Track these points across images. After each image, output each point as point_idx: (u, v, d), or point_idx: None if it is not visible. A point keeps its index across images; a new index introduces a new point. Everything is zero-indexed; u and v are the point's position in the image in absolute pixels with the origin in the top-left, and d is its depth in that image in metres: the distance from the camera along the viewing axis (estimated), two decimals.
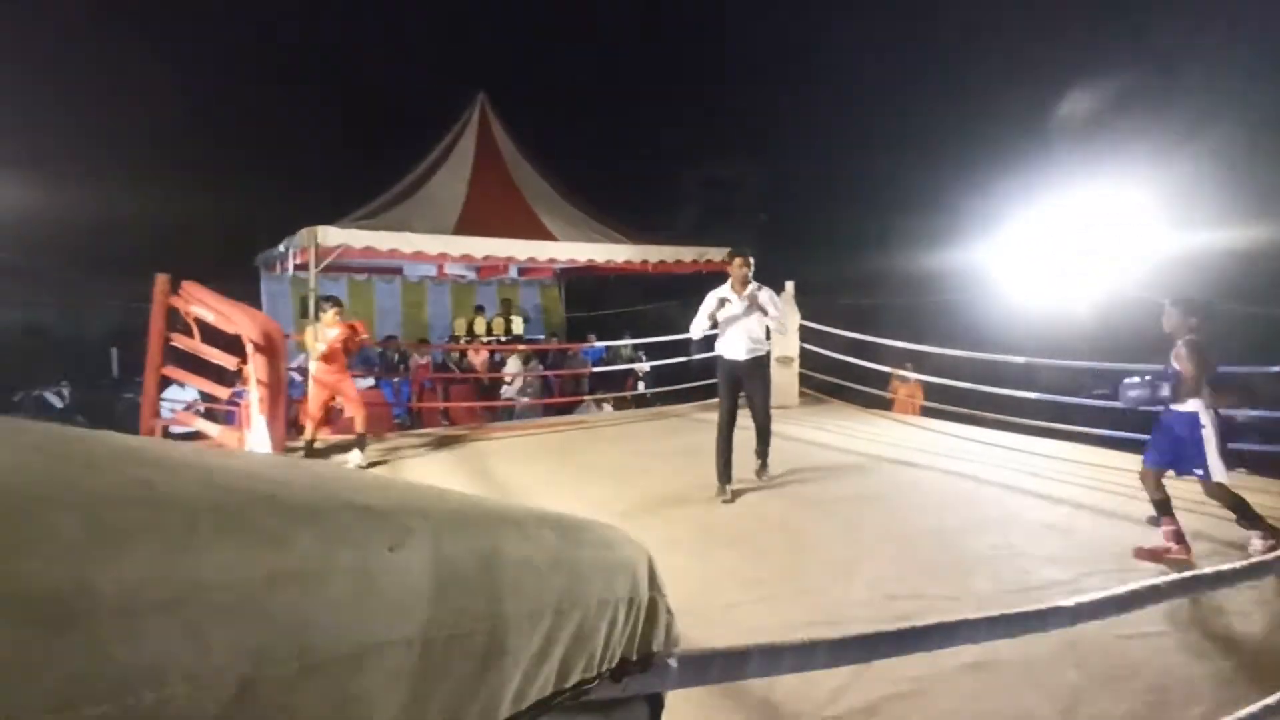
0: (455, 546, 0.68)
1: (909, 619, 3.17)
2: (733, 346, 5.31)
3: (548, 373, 10.87)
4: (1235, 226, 8.61)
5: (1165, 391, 3.98)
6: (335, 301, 6.31)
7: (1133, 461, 6.10)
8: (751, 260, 5.32)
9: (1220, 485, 3.98)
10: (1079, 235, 8.52)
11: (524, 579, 0.72)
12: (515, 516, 0.81)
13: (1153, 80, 11.51)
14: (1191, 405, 4.00)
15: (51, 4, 16.98)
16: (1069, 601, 1.30)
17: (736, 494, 5.16)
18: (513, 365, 10.32)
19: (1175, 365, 4.00)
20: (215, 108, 19.68)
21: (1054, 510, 4.76)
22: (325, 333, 6.10)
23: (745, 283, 5.30)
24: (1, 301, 14.77)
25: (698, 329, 5.41)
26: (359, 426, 6.23)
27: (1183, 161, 9.29)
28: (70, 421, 11.87)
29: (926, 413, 8.56)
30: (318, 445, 6.86)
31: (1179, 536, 3.99)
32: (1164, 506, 4.09)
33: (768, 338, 5.45)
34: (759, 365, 5.37)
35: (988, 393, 7.54)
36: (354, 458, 6.15)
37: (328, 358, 6.09)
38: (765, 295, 5.31)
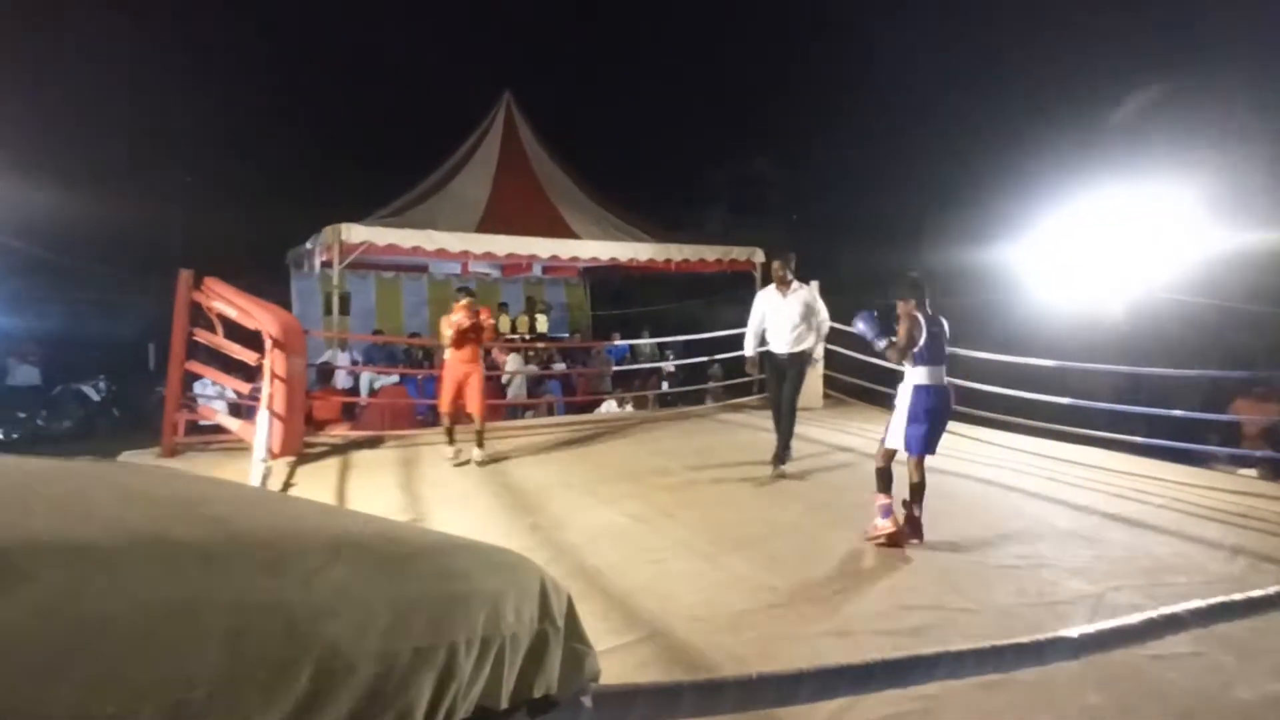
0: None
1: (922, 631, 3.07)
2: (776, 342, 5.74)
3: (570, 370, 10.83)
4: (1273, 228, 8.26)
5: (881, 343, 4.25)
6: (468, 292, 6.20)
7: (1168, 470, 5.91)
8: (792, 262, 5.73)
9: (881, 452, 4.26)
10: (1112, 236, 8.25)
11: (248, 633, 0.59)
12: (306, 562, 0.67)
13: (1189, 79, 11.12)
14: (907, 376, 4.22)
15: (91, 6, 17.37)
16: (1072, 632, 1.19)
17: (763, 484, 5.36)
18: (511, 363, 10.15)
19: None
20: (252, 109, 20.00)
21: (1083, 520, 4.57)
22: (450, 320, 6.00)
23: (786, 283, 5.71)
24: (44, 298, 15.17)
25: (749, 345, 5.94)
26: (478, 423, 6.11)
27: (1221, 162, 8.94)
28: (105, 413, 12.17)
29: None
30: (337, 441, 6.90)
31: (887, 511, 4.08)
32: (883, 477, 4.21)
33: (809, 333, 5.77)
34: (796, 360, 5.70)
35: (1015, 397, 7.33)
36: (475, 454, 6.06)
37: (458, 346, 5.98)
38: (805, 293, 5.74)
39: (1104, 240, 8.15)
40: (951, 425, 7.71)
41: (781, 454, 5.66)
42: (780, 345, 5.70)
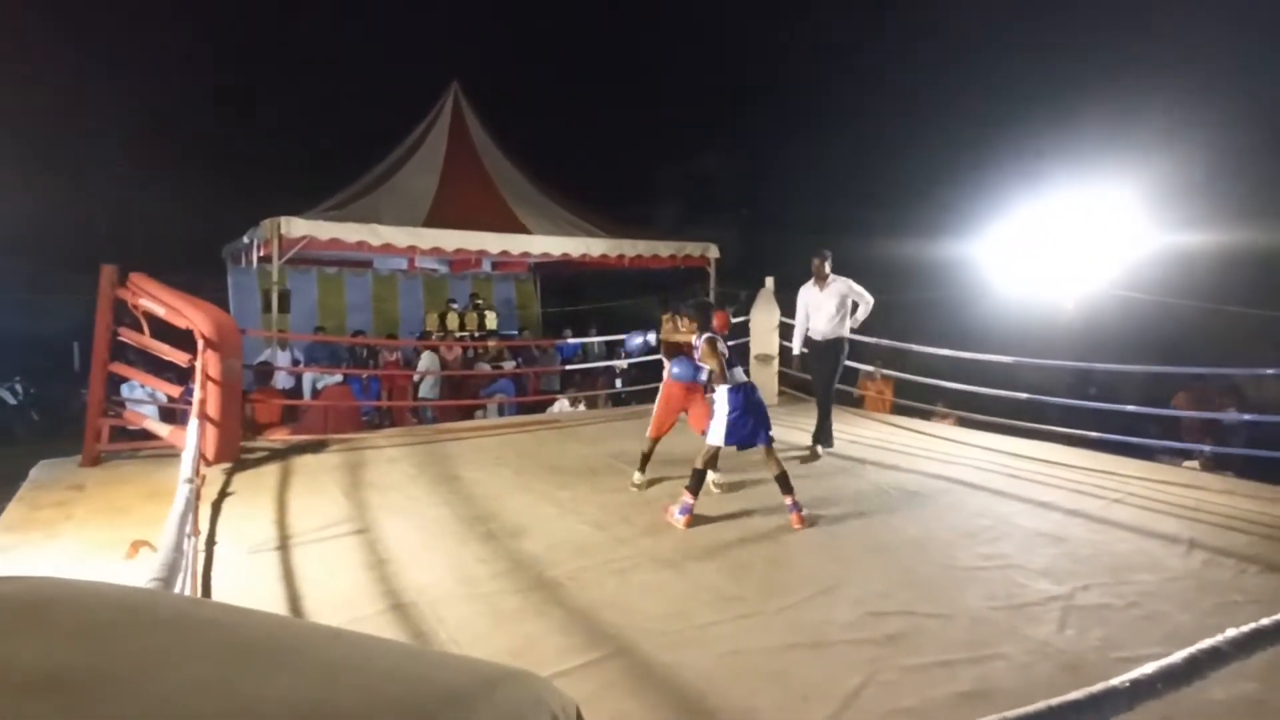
0: None
1: (897, 640, 2.98)
2: (816, 329, 6.34)
3: (521, 370, 10.57)
4: (1219, 228, 8.53)
5: (703, 377, 4.93)
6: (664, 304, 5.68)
7: (1119, 464, 6.00)
8: (829, 258, 6.29)
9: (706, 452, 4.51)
10: (1062, 234, 8.39)
11: None
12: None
13: (1136, 78, 11.44)
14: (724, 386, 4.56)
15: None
16: (1124, 681, 1.06)
17: (724, 490, 5.19)
18: (424, 362, 9.74)
19: (702, 361, 4.68)
20: (182, 99, 19.11)
21: (1045, 517, 4.57)
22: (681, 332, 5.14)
23: (824, 277, 6.27)
24: None
25: (799, 341, 6.56)
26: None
27: (1166, 161, 9.19)
28: (23, 417, 11.44)
29: (903, 411, 8.40)
30: (277, 445, 6.55)
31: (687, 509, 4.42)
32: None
33: (844, 321, 6.30)
34: (832, 346, 6.27)
35: (970, 392, 7.40)
36: (712, 477, 5.14)
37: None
38: (841, 285, 6.26)
39: (1054, 237, 8.29)
40: (909, 423, 7.80)
41: (821, 435, 6.22)
42: (817, 333, 6.32)
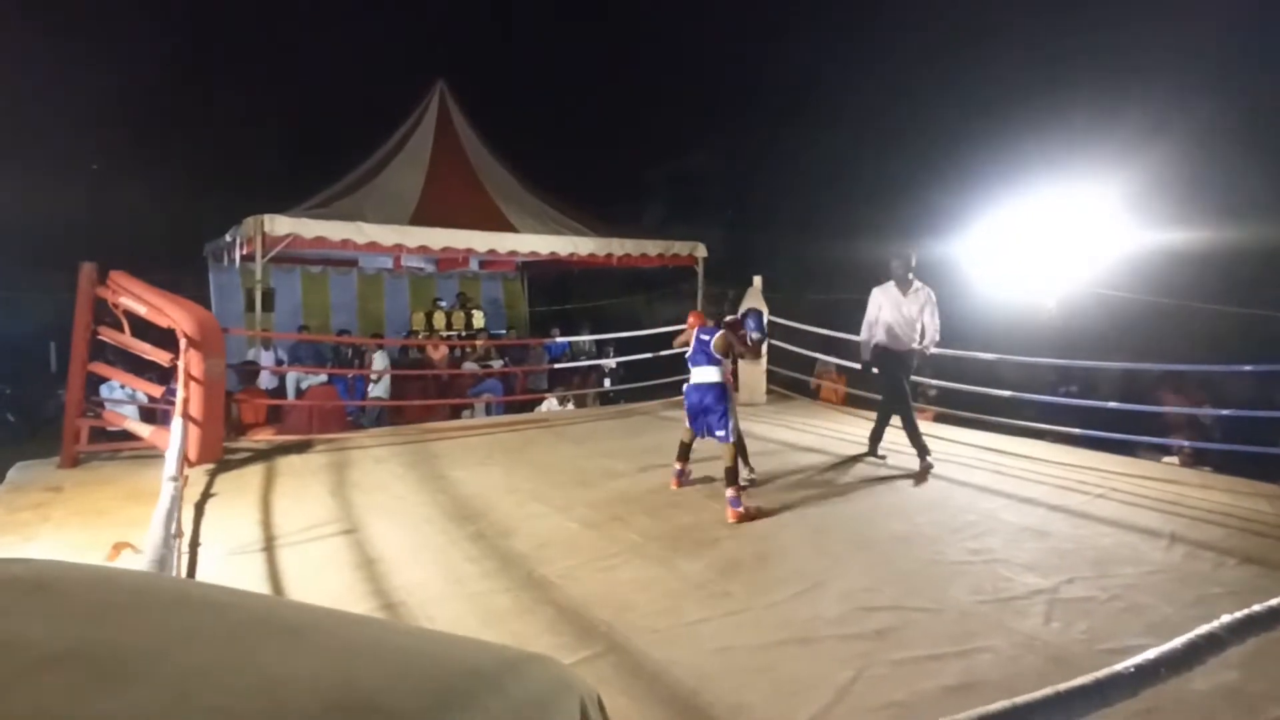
0: None
1: (885, 634, 3.00)
2: (897, 338, 5.87)
3: (508, 368, 10.53)
4: (1196, 226, 8.65)
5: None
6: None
7: (1101, 460, 6.08)
8: (913, 259, 5.89)
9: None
10: (1044, 232, 8.47)
11: None
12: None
13: (1117, 77, 11.58)
14: (717, 376, 4.88)
15: None
16: (1128, 666, 1.08)
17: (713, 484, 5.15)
18: (378, 361, 9.50)
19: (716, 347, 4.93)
20: (162, 93, 18.85)
21: (1029, 513, 4.62)
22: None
23: (908, 281, 5.86)
24: None
25: (867, 330, 6.07)
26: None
27: (1145, 160, 9.31)
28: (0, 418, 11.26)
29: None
30: (261, 446, 6.49)
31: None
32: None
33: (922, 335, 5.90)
34: (909, 358, 5.92)
35: (952, 389, 7.47)
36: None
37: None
38: (926, 294, 5.88)
39: (1035, 236, 8.37)
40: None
41: (920, 452, 5.74)
42: (901, 342, 5.85)
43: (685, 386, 5.01)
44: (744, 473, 5.13)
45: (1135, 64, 11.12)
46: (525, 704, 0.64)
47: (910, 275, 5.86)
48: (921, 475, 5.56)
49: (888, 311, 5.88)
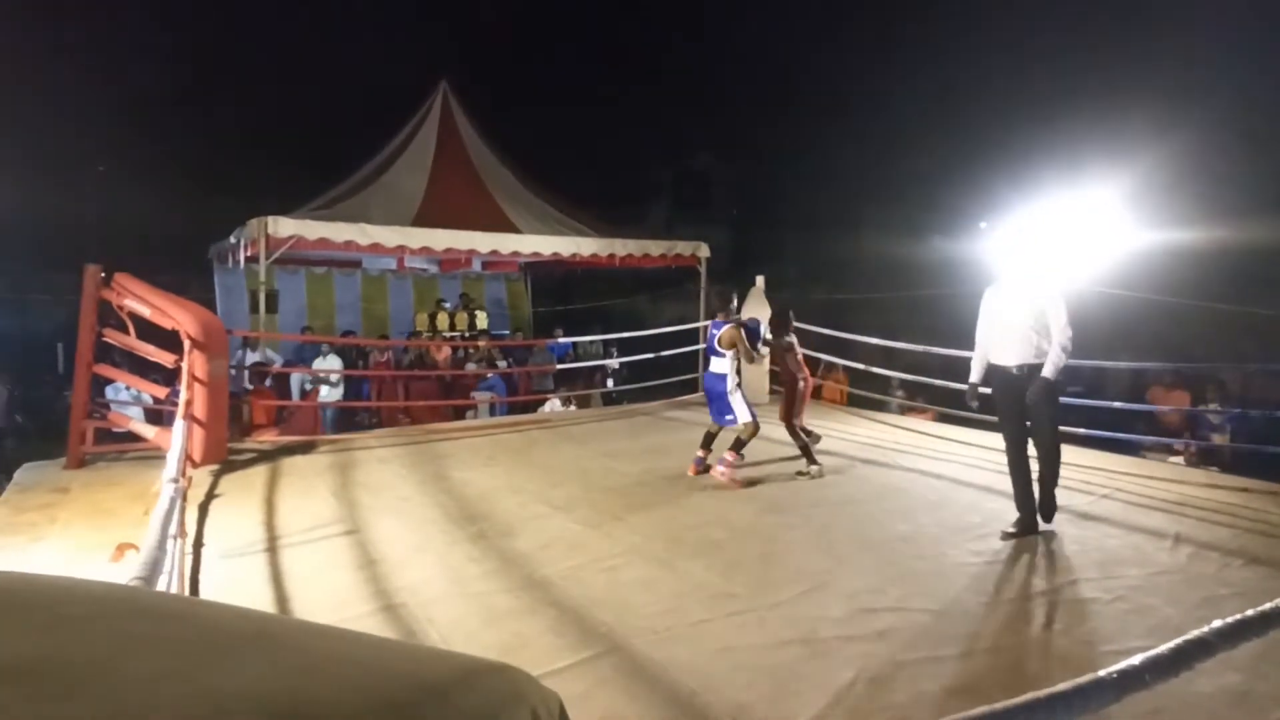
0: None
1: (888, 635, 2.99)
2: (1002, 350, 4.25)
3: (511, 369, 10.54)
4: (1204, 225, 8.62)
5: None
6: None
7: (1106, 459, 6.05)
8: (1035, 243, 4.34)
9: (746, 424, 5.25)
10: (1048, 231, 8.42)
11: None
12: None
13: (1121, 79, 11.54)
14: (723, 368, 5.29)
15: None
16: (1111, 672, 1.07)
17: (704, 488, 5.11)
18: (330, 362, 9.11)
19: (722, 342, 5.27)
20: (168, 96, 18.93)
21: None
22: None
23: (1024, 275, 4.26)
24: None
25: (976, 369, 4.56)
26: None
27: (1150, 159, 9.27)
28: (6, 419, 11.32)
29: (880, 406, 8.49)
30: (266, 447, 6.51)
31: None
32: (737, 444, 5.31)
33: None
34: (1022, 382, 4.15)
35: (955, 388, 7.43)
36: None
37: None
38: (1044, 292, 4.14)
39: (1041, 235, 8.32)
40: (899, 420, 7.84)
41: (1046, 508, 4.25)
42: (1006, 356, 4.24)
43: (705, 375, 5.62)
44: (811, 470, 5.52)
45: (1139, 64, 11.08)
46: (471, 716, 0.64)
47: (1028, 264, 4.28)
48: (1019, 533, 4.16)
49: (989, 319, 4.42)
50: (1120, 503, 4.87)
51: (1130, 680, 1.08)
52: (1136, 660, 1.13)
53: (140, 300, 5.63)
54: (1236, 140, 9.97)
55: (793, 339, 5.97)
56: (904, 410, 8.58)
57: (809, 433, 5.95)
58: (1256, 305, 7.60)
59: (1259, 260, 8.70)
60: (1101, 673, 1.08)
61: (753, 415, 5.32)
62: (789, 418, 5.78)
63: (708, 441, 5.53)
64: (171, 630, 0.66)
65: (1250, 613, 1.28)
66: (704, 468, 5.43)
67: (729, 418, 5.30)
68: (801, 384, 5.85)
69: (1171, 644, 1.17)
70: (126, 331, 5.79)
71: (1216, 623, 1.25)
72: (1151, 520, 4.49)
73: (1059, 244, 8.29)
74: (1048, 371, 4.07)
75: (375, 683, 0.63)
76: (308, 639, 0.70)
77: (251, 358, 8.82)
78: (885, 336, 8.07)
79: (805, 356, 6.09)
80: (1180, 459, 6.68)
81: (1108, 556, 3.87)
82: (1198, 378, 7.50)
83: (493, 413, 9.34)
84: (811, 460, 5.55)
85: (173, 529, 2.62)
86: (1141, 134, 10.10)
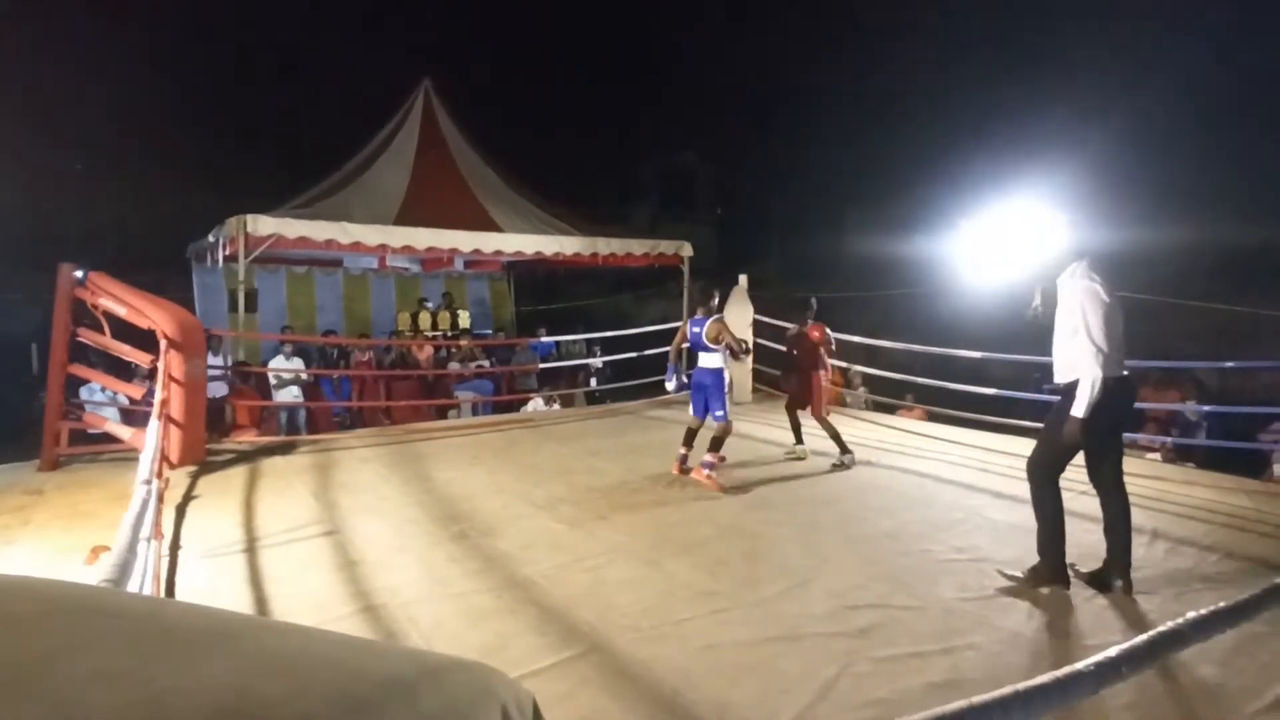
0: None
1: (870, 631, 3.00)
2: (1120, 356, 3.34)
3: (494, 368, 10.49)
4: (1183, 225, 8.74)
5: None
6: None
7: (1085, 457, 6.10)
8: (1062, 229, 3.50)
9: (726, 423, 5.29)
10: (1025, 230, 8.50)
11: None
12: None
13: (1094, 76, 11.68)
14: (714, 362, 5.33)
15: None
16: (1089, 664, 1.08)
17: (687, 486, 5.07)
18: (278, 361, 8.87)
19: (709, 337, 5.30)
20: (145, 94, 18.68)
21: (1015, 510, 4.62)
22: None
23: (1061, 270, 3.45)
24: None
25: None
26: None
27: (1130, 158, 9.39)
28: None
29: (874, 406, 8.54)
30: (245, 447, 6.43)
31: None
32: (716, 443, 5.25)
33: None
34: (1064, 397, 3.38)
35: (940, 387, 7.49)
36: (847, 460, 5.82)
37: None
38: (1078, 286, 3.33)
39: (1016, 235, 8.40)
40: (882, 418, 7.89)
41: (1123, 564, 3.42)
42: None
43: (694, 370, 5.60)
44: (845, 459, 5.71)
45: (1109, 64, 11.23)
46: (438, 713, 0.62)
47: (1064, 256, 3.47)
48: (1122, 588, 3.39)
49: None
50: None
51: (1107, 673, 1.09)
52: (1113, 653, 1.13)
53: (116, 300, 5.55)
54: (1229, 140, 10.14)
55: (806, 328, 6.04)
56: (896, 410, 8.58)
57: (800, 438, 6.00)
58: (1231, 303, 7.72)
59: (1236, 260, 8.84)
60: (1079, 665, 1.09)
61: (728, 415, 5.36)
62: (817, 411, 5.92)
63: (689, 439, 5.53)
64: (124, 629, 0.64)
65: (1222, 605, 1.30)
66: (686, 466, 5.43)
67: (720, 414, 5.27)
68: (819, 375, 5.95)
69: (1146, 636, 1.17)
70: (102, 331, 5.71)
71: (1190, 615, 1.26)
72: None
73: (1035, 241, 8.43)
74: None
75: (338, 681, 0.61)
76: (273, 638, 0.69)
77: (211, 360, 8.67)
78: (866, 335, 8.11)
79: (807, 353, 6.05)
80: (1158, 456, 6.77)
81: (1086, 552, 3.89)
82: (1177, 376, 7.60)
83: (476, 412, 9.30)
84: (844, 449, 5.76)
85: (147, 530, 2.57)
86: (1116, 130, 10.24)
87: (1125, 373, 3.37)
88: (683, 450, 5.50)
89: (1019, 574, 3.47)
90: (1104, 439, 3.40)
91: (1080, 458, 3.51)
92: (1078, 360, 3.27)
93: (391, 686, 0.62)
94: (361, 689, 0.60)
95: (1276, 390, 8.51)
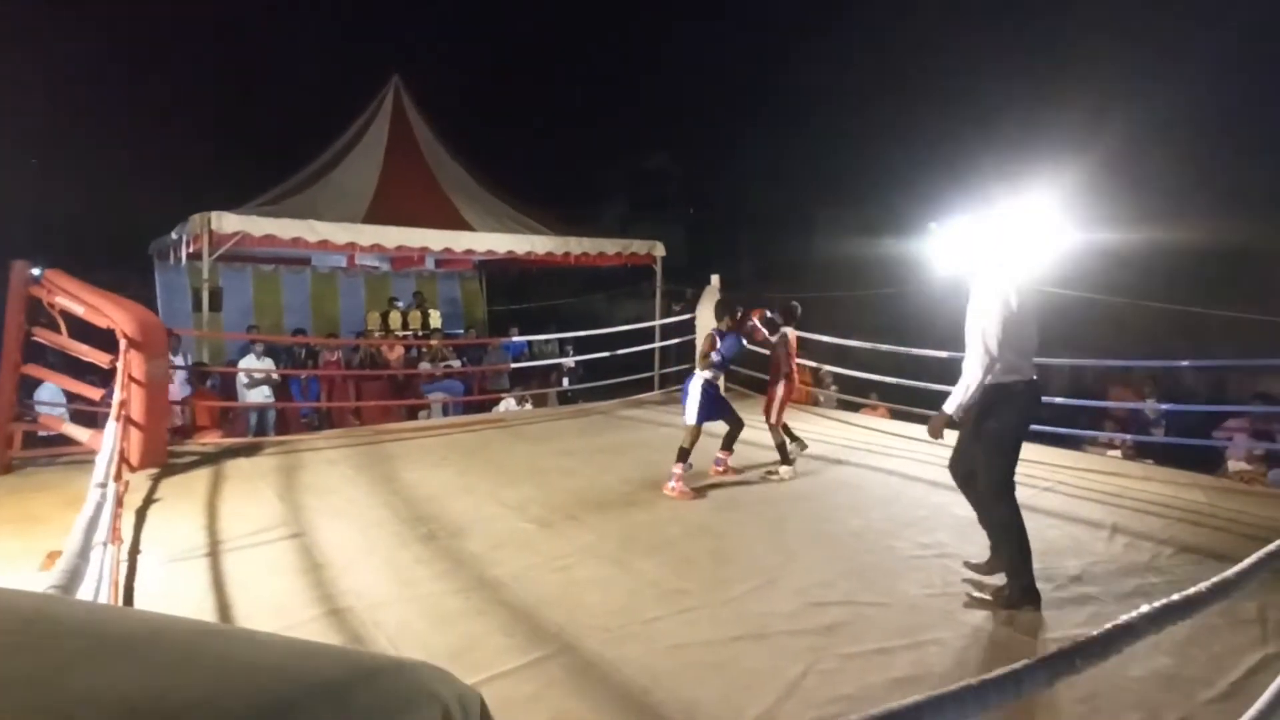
0: None
1: (836, 629, 3.03)
2: (1027, 361, 3.29)
3: (466, 368, 10.41)
4: (1140, 226, 8.94)
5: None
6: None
7: (1049, 454, 6.22)
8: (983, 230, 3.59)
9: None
10: (996, 231, 8.64)
11: None
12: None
13: (1060, 84, 11.90)
14: (696, 370, 5.37)
15: None
16: (1043, 659, 1.10)
17: (657, 487, 5.04)
18: (249, 360, 8.75)
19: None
20: (104, 87, 18.24)
21: None
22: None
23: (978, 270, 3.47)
24: None
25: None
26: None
27: (1090, 160, 9.58)
28: None
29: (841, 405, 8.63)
30: (208, 449, 6.31)
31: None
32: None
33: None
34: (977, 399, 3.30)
35: (909, 386, 7.58)
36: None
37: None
38: (984, 288, 3.32)
39: (990, 236, 8.55)
40: (850, 417, 7.96)
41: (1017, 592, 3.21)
42: (1030, 369, 3.32)
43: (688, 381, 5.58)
44: (782, 470, 5.51)
45: (1081, 65, 11.45)
46: (369, 714, 0.62)
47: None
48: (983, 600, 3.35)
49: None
50: (1061, 495, 5.02)
51: (1060, 665, 1.11)
52: (1067, 645, 1.16)
53: (72, 298, 5.41)
54: (1185, 142, 10.38)
55: (787, 332, 5.88)
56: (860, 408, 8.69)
57: (794, 438, 5.86)
58: (1190, 304, 7.91)
59: (1194, 261, 9.07)
60: (1033, 659, 1.11)
61: (699, 422, 5.24)
62: (769, 416, 5.76)
63: (728, 443, 5.48)
64: (45, 633, 0.62)
65: (1175, 597, 1.33)
66: (724, 467, 5.51)
67: (687, 416, 5.24)
68: (783, 383, 5.76)
69: (1100, 629, 1.20)
70: (58, 330, 5.56)
71: (1144, 607, 1.29)
72: (1090, 512, 4.65)
73: (1003, 243, 8.58)
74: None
75: (266, 683, 0.60)
76: (205, 640, 0.67)
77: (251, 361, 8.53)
78: (836, 335, 8.18)
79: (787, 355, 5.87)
80: (1118, 453, 6.93)
81: (1048, 547, 3.98)
82: (1136, 375, 7.79)
83: (447, 413, 9.22)
84: (785, 460, 5.54)
85: (103, 535, 2.51)
86: (1085, 133, 10.44)
87: (1035, 377, 3.30)
88: (720, 454, 5.51)
89: (987, 596, 3.30)
90: (1017, 445, 3.32)
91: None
92: (966, 360, 3.24)
93: (321, 688, 0.61)
94: (288, 690, 0.59)
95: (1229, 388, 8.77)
